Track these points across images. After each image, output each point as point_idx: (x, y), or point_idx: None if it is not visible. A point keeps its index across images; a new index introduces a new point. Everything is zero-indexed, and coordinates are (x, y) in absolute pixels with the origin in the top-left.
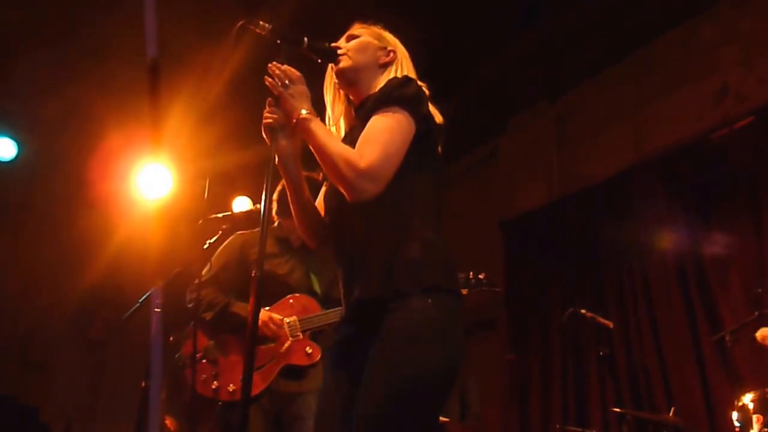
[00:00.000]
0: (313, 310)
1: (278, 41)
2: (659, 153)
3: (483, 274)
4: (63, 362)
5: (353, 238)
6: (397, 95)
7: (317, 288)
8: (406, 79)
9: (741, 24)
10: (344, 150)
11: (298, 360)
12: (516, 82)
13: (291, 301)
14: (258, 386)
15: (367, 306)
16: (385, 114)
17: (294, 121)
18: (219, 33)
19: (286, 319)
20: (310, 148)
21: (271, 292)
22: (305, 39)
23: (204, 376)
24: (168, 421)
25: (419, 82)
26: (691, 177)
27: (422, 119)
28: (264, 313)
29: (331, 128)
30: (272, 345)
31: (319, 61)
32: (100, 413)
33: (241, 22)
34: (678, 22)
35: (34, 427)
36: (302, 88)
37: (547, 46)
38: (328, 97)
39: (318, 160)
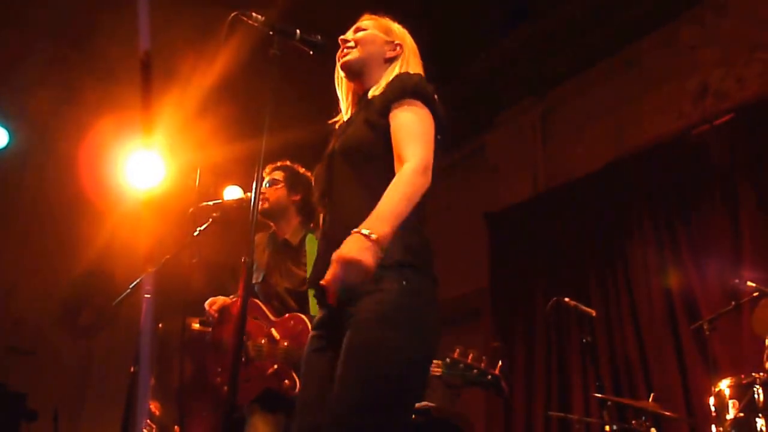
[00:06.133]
0: (303, 340)
1: (271, 33)
2: (640, 148)
3: (490, 369)
4: (52, 349)
5: (340, 220)
6: (419, 91)
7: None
8: (420, 77)
9: (721, 25)
10: (398, 185)
11: (279, 388)
12: (503, 78)
13: (292, 322)
14: (239, 402)
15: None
16: (410, 108)
17: (377, 248)
18: (212, 24)
19: (285, 342)
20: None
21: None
22: (297, 31)
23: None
24: (153, 406)
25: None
26: (671, 172)
27: (437, 118)
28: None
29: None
30: (264, 363)
31: (311, 53)
32: (90, 399)
33: (233, 14)
34: (660, 23)
35: (23, 413)
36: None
37: (534, 44)
38: (340, 91)
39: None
